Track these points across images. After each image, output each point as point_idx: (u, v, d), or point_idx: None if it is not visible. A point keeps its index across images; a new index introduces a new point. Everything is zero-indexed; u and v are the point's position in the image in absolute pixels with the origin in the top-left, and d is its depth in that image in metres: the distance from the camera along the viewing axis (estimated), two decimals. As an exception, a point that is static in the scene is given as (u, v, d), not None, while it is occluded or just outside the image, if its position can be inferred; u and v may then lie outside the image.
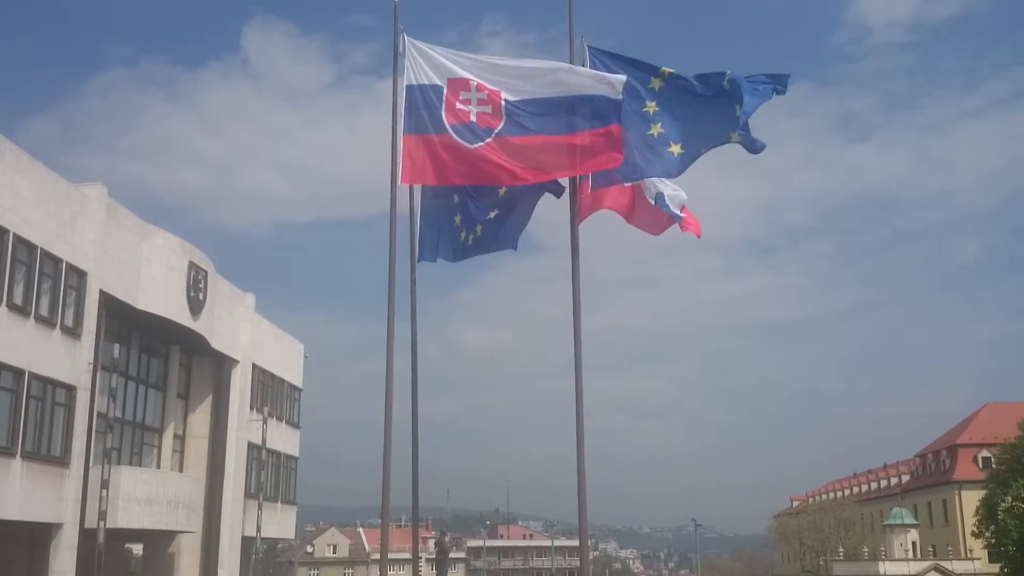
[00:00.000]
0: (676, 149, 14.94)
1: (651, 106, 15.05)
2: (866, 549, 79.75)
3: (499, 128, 15.15)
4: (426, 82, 15.65)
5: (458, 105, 15.36)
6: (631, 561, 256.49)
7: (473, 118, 15.28)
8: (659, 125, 14.96)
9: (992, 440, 72.19)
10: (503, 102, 15.12)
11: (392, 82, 16.04)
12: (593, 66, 15.39)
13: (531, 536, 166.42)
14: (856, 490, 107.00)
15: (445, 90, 15.48)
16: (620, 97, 14.44)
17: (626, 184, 15.98)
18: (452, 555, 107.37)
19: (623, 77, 14.62)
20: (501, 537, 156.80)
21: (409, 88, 15.69)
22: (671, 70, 15.11)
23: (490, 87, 15.24)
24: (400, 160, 15.45)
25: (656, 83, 15.07)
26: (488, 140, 15.14)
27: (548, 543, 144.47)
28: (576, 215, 15.49)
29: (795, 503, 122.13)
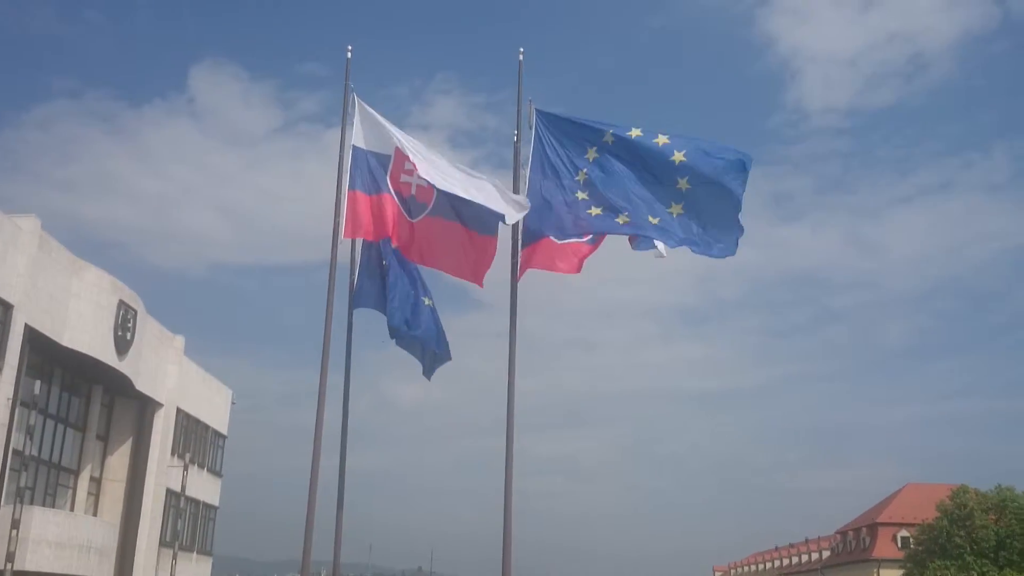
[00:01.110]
0: (595, 211, 15.12)
1: (582, 174, 15.30)
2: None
3: (430, 208, 15.85)
4: (372, 149, 16.22)
5: (402, 177, 15.99)
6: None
7: (413, 191, 16.01)
8: (585, 193, 15.18)
9: (912, 520, 73.42)
10: (435, 189, 15.56)
11: (340, 135, 16.26)
12: (538, 128, 15.70)
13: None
14: (777, 563, 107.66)
15: (392, 159, 16.03)
16: (521, 215, 14.94)
17: (557, 242, 16.06)
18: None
19: (527, 205, 15.01)
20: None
21: (356, 148, 16.17)
22: (613, 137, 15.25)
23: (421, 170, 15.64)
24: (344, 213, 15.66)
25: (592, 154, 15.29)
26: (421, 217, 15.91)
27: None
28: (516, 274, 15.62)
29: (717, 574, 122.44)
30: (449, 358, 17.99)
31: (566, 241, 15.87)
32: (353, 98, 16.38)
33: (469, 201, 15.09)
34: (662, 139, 14.94)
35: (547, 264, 15.95)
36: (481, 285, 15.87)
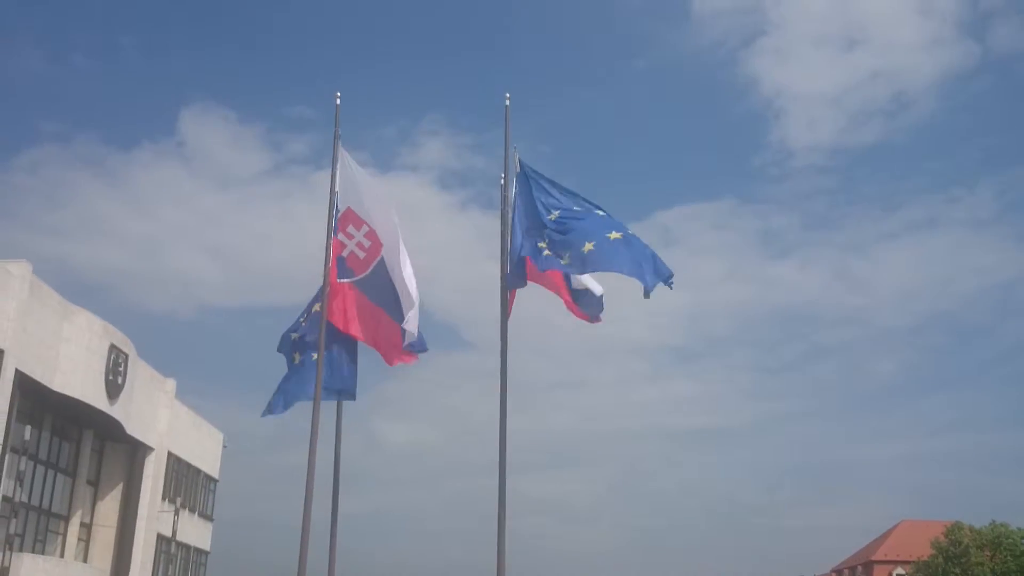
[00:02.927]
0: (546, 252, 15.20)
1: (545, 241, 15.35)
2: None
3: (359, 278, 16.26)
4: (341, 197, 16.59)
5: (340, 235, 16.32)
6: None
7: (345, 254, 16.29)
8: (545, 243, 15.29)
9: (907, 557, 73.10)
10: (378, 257, 16.07)
11: (330, 182, 16.51)
12: (520, 179, 15.91)
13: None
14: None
15: (341, 213, 16.45)
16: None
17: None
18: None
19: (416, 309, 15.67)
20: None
21: (338, 195, 16.52)
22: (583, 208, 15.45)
23: (377, 236, 16.13)
24: (332, 258, 15.89)
25: (555, 215, 15.42)
26: (348, 280, 16.28)
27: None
28: (505, 313, 15.65)
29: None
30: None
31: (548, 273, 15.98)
32: (340, 147, 16.75)
33: (396, 295, 15.79)
34: (614, 235, 14.96)
35: (538, 279, 16.08)
36: (392, 364, 16.44)
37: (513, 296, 15.94)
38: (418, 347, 16.38)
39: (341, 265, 16.29)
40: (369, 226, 16.26)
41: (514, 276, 15.65)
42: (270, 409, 16.60)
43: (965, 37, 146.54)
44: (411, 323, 15.61)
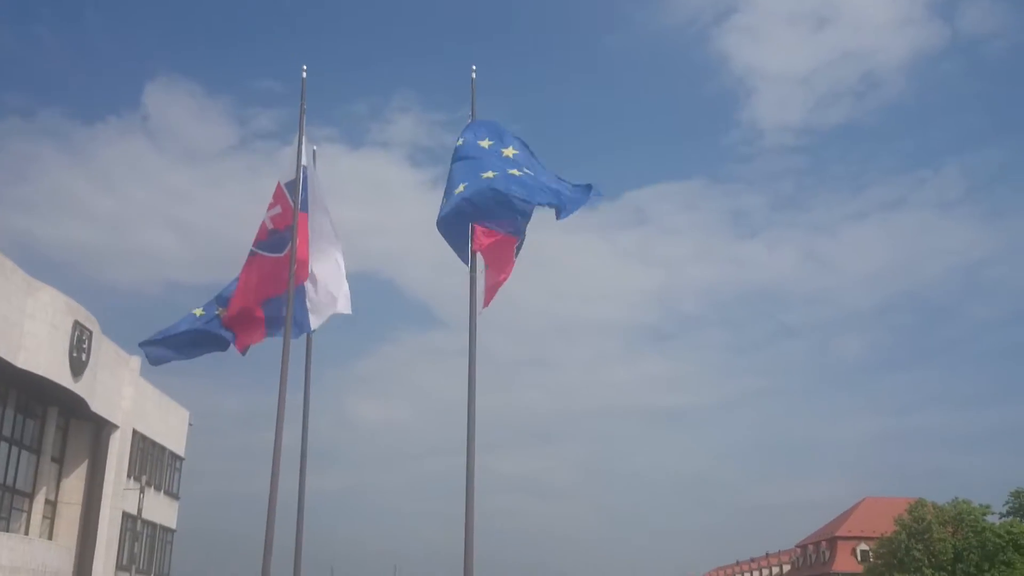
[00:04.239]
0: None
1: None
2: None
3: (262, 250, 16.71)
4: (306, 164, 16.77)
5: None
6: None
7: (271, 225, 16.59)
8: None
9: (870, 533, 74.21)
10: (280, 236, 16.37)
11: (297, 156, 16.35)
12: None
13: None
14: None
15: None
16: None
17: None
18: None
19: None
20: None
21: (306, 169, 16.50)
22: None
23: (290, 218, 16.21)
24: (299, 233, 15.81)
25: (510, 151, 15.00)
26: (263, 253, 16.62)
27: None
28: (475, 291, 15.38)
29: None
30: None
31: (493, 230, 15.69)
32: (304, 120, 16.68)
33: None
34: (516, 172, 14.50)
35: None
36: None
37: (496, 277, 15.67)
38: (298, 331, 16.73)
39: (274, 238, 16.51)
40: (285, 208, 16.42)
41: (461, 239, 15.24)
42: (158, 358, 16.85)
43: (935, 17, 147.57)
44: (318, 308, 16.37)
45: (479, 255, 15.26)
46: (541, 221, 15.63)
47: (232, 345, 16.81)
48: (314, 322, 17.02)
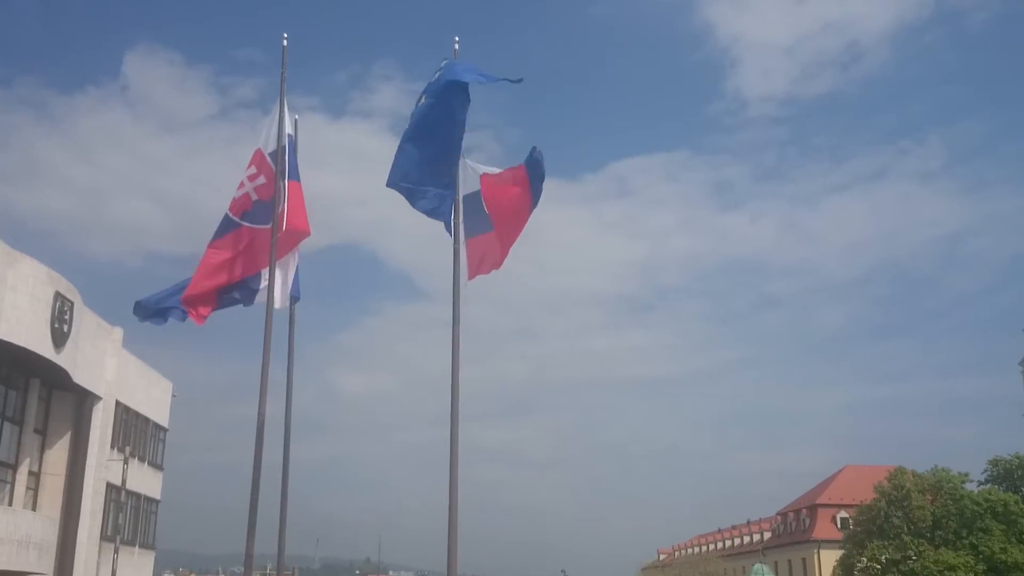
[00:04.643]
0: None
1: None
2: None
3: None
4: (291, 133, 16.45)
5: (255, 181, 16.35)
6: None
7: (238, 195, 16.41)
8: None
9: (850, 501, 74.81)
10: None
11: (278, 125, 16.19)
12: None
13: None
14: (720, 545, 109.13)
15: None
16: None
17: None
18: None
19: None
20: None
21: (290, 137, 16.25)
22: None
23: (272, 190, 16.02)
24: (284, 202, 15.66)
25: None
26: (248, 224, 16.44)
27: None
28: (459, 262, 15.29)
29: (662, 556, 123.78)
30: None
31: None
32: (284, 90, 16.48)
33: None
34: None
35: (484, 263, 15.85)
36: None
37: (487, 253, 15.62)
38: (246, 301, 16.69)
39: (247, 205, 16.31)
40: (268, 179, 16.12)
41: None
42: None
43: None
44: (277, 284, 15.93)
45: (484, 218, 15.20)
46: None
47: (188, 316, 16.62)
48: (281, 301, 16.83)
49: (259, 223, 16.00)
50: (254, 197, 16.17)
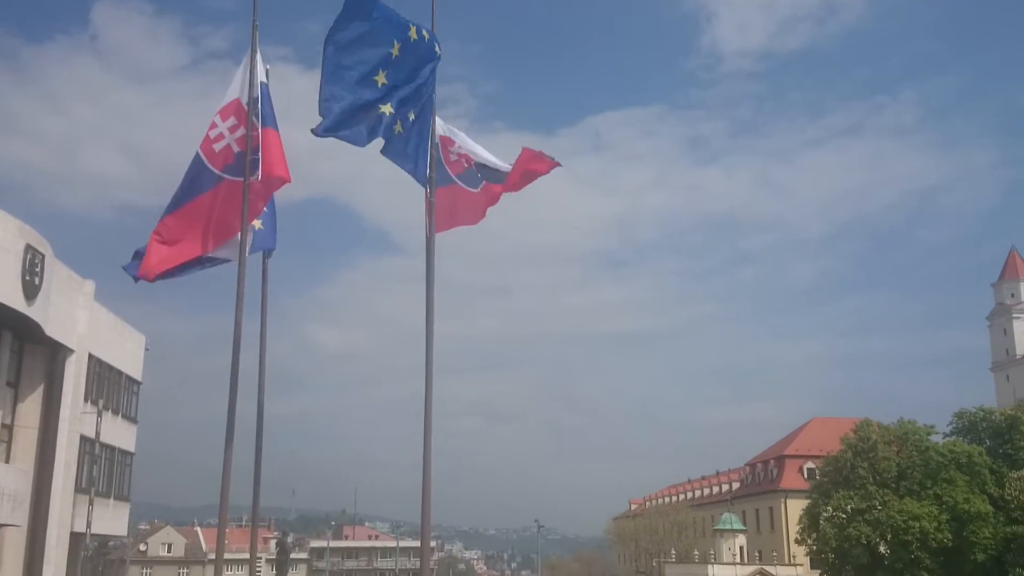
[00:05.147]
0: (387, 109, 14.26)
1: (381, 76, 14.15)
2: (697, 552, 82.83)
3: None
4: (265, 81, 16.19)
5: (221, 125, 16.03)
6: (475, 562, 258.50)
7: (219, 147, 15.96)
8: (389, 105, 14.30)
9: (817, 452, 76.18)
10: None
11: (249, 72, 16.02)
12: None
13: (376, 537, 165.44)
14: (690, 495, 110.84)
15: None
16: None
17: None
18: (294, 556, 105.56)
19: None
20: (346, 538, 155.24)
21: (264, 85, 15.95)
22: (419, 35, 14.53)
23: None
24: (258, 151, 15.52)
25: (396, 49, 14.25)
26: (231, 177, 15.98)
27: (393, 544, 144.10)
28: (432, 218, 15.31)
29: (633, 507, 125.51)
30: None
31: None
32: (256, 37, 16.19)
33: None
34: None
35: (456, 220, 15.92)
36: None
37: (459, 208, 15.68)
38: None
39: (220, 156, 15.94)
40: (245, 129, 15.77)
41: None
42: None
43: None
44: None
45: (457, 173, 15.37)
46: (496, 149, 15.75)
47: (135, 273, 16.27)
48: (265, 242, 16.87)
49: (239, 175, 15.61)
50: (235, 149, 15.69)
